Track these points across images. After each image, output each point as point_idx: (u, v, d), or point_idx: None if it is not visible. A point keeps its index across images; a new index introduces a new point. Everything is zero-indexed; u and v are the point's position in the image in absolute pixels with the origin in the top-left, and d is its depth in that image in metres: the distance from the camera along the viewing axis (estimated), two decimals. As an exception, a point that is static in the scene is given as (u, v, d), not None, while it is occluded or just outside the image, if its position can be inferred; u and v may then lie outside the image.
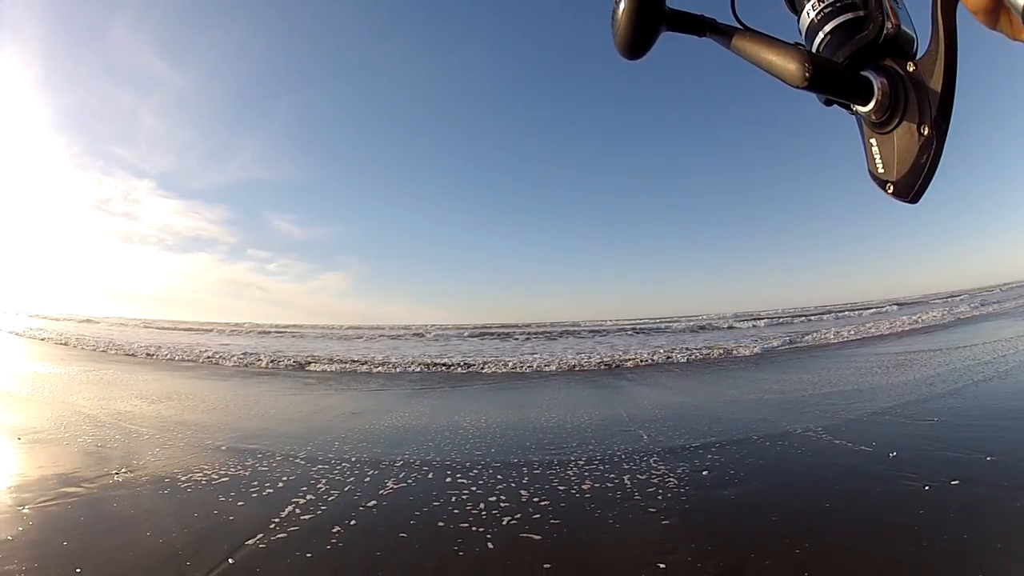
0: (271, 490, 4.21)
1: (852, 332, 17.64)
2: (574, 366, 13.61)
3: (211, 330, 35.50)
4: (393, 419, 7.39)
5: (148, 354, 16.62)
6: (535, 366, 13.79)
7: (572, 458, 5.07)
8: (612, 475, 4.53)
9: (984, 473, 3.97)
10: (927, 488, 3.80)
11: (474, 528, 3.53)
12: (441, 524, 3.62)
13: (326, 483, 4.40)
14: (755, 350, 15.51)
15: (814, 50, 0.72)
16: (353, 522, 3.62)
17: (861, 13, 0.68)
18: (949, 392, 6.87)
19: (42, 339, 20.85)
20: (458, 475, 4.67)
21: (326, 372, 13.44)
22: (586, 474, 4.60)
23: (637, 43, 0.67)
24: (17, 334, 23.15)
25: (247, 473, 4.66)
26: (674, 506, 3.82)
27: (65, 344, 19.11)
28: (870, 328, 18.43)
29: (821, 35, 0.71)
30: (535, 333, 30.41)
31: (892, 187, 0.64)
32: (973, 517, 3.28)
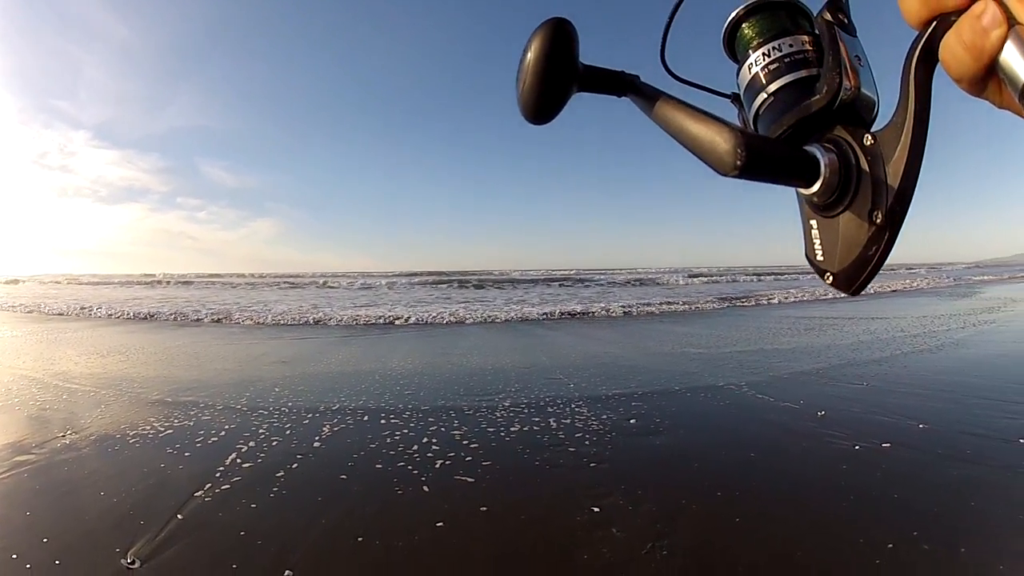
0: (214, 439, 4.37)
1: (789, 295, 18.43)
2: (490, 318, 13.93)
3: (138, 283, 34.44)
4: (323, 366, 7.58)
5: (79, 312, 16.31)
6: (460, 315, 14.12)
7: (498, 402, 5.35)
8: (538, 419, 4.80)
9: (916, 439, 4.09)
10: (857, 448, 3.95)
11: (410, 470, 3.75)
12: (379, 466, 3.83)
13: (265, 430, 4.58)
14: (684, 306, 16.15)
15: (753, 111, 0.62)
16: (294, 467, 3.81)
17: (815, 71, 0.58)
18: (877, 359, 7.13)
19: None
20: (392, 417, 4.91)
21: (252, 322, 13.43)
22: (513, 417, 4.87)
23: (543, 108, 0.55)
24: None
25: (190, 424, 4.78)
26: (603, 452, 4.03)
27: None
28: (806, 293, 19.16)
29: (764, 95, 0.60)
30: (465, 282, 30.42)
31: (831, 277, 0.56)
32: (904, 479, 3.40)
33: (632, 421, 4.72)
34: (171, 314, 14.63)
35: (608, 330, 11.49)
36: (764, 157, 0.50)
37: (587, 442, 4.23)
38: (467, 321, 13.67)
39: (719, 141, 0.49)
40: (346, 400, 5.57)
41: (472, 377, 6.68)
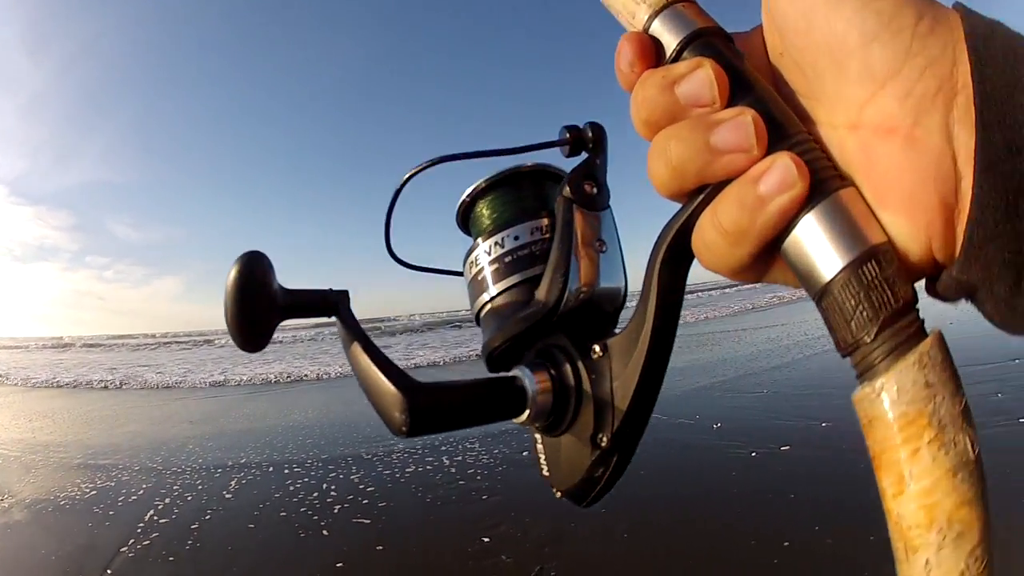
0: (133, 498, 4.76)
1: (689, 313, 17.76)
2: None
3: (50, 347, 32.93)
4: (229, 423, 7.98)
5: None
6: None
7: (393, 446, 5.78)
8: (432, 459, 5.24)
9: (818, 438, 4.24)
10: (754, 454, 4.11)
11: (311, 516, 4.23)
12: (283, 514, 4.31)
13: (179, 487, 5.00)
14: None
15: (475, 311, 0.54)
16: (207, 519, 4.27)
17: (539, 269, 0.49)
18: (777, 366, 7.19)
19: None
20: (295, 467, 5.40)
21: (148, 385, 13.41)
22: (408, 459, 5.33)
23: (249, 340, 0.47)
24: None
25: (111, 484, 5.13)
26: (495, 485, 4.33)
27: None
28: (707, 310, 18.94)
29: (486, 296, 0.52)
30: (375, 330, 29.92)
31: (561, 493, 0.50)
32: (804, 478, 3.59)
33: (524, 454, 5.02)
34: (82, 381, 14.25)
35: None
36: (439, 411, 0.43)
37: (479, 477, 4.57)
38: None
39: (387, 399, 0.43)
40: (252, 454, 6.01)
41: (370, 424, 6.92)
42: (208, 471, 5.52)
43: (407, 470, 5.10)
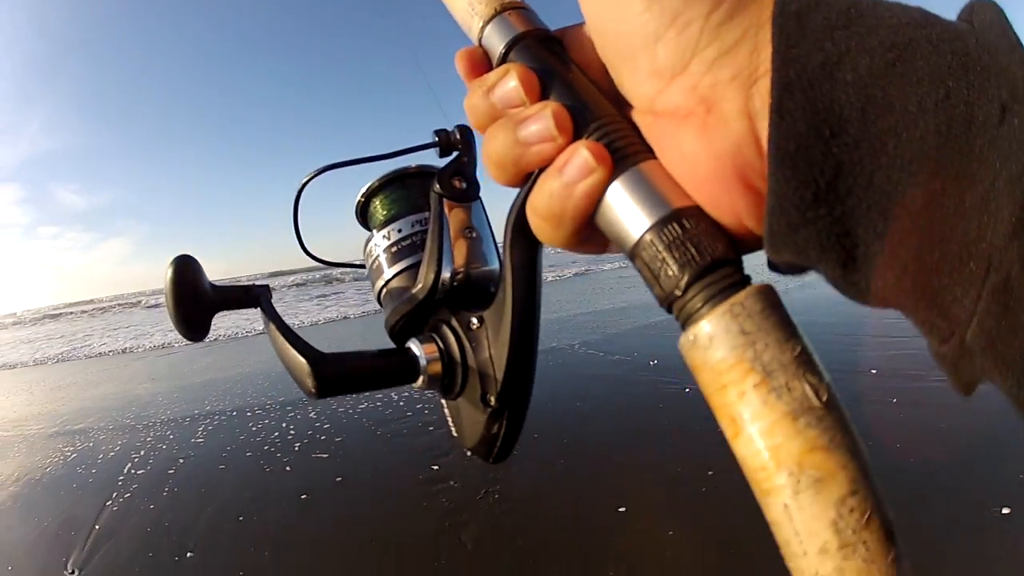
0: (112, 454, 5.12)
1: None
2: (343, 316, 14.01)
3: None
4: (190, 377, 8.32)
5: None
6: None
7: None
8: (382, 396, 5.56)
9: None
10: (687, 391, 4.24)
11: (275, 454, 4.62)
12: (248, 454, 4.71)
13: (151, 439, 5.40)
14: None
15: (376, 295, 0.61)
16: (180, 465, 4.68)
17: (420, 257, 0.55)
18: None
19: None
20: (257, 410, 5.85)
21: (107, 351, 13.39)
22: (360, 397, 5.61)
23: (190, 331, 0.56)
24: None
25: (89, 446, 5.47)
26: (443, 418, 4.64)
27: None
28: None
29: (381, 282, 0.59)
30: (329, 278, 28.75)
31: (470, 451, 0.55)
32: None
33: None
34: (41, 357, 13.73)
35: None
36: (342, 377, 0.50)
37: (427, 411, 4.86)
38: (320, 322, 13.70)
39: (298, 368, 0.50)
40: (215, 403, 6.39)
41: None
42: (176, 422, 5.90)
43: (359, 407, 5.42)
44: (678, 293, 0.30)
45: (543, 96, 0.36)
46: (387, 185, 0.61)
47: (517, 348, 0.47)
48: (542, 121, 0.34)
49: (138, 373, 9.56)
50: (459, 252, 0.55)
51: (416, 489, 3.52)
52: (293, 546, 3.19)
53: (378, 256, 0.60)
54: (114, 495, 4.31)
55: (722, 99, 0.29)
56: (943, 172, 0.25)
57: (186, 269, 0.56)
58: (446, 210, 0.54)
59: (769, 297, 0.28)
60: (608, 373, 5.12)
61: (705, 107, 0.30)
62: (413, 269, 0.57)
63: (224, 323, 12.42)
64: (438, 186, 0.53)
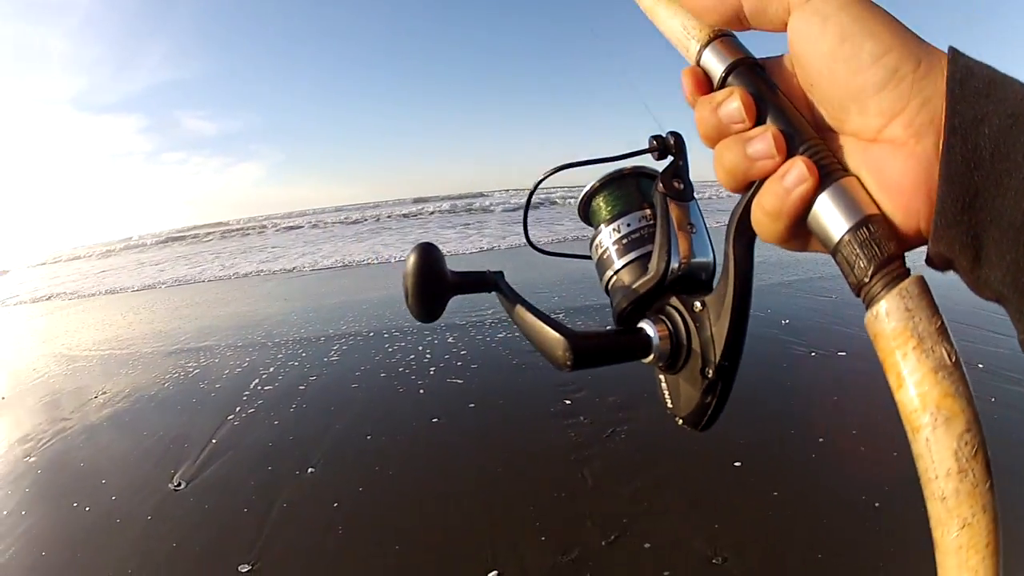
0: (238, 371, 4.95)
1: None
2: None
3: (127, 248, 32.97)
4: (324, 299, 8.21)
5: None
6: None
7: (488, 315, 5.80)
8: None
9: (872, 350, 4.39)
10: (813, 354, 4.20)
11: (410, 376, 4.35)
12: (383, 375, 4.45)
13: (282, 357, 5.17)
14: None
15: (604, 286, 0.67)
16: (312, 382, 4.46)
17: (649, 247, 0.62)
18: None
19: None
20: (394, 333, 5.53)
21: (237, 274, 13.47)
22: (499, 326, 5.40)
23: (426, 314, 0.63)
24: None
25: (215, 361, 5.36)
26: None
27: None
28: None
29: (611, 272, 0.65)
30: (460, 207, 29.07)
31: (681, 420, 0.61)
32: (849, 383, 3.64)
33: (610, 327, 5.01)
34: (166, 279, 13.84)
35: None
36: (591, 352, 0.58)
37: None
38: (469, 252, 13.34)
39: (553, 344, 0.57)
40: (351, 324, 6.13)
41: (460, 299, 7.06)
42: (309, 341, 5.67)
43: (498, 335, 5.19)
44: (865, 280, 0.39)
45: (759, 116, 0.45)
46: (608, 185, 0.66)
47: (736, 327, 0.53)
48: (765, 142, 0.43)
49: (270, 293, 9.62)
50: (682, 245, 0.60)
51: (546, 421, 3.50)
52: (419, 468, 3.17)
53: (607, 248, 0.65)
54: (237, 410, 4.09)
55: (925, 135, 0.38)
56: None
57: (429, 255, 0.62)
58: (670, 206, 0.60)
59: (923, 284, 0.38)
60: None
61: (916, 139, 0.39)
62: (640, 260, 0.62)
63: (357, 249, 12.68)
64: (661, 186, 0.61)
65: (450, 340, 5.13)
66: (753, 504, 2.66)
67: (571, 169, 0.68)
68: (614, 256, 0.64)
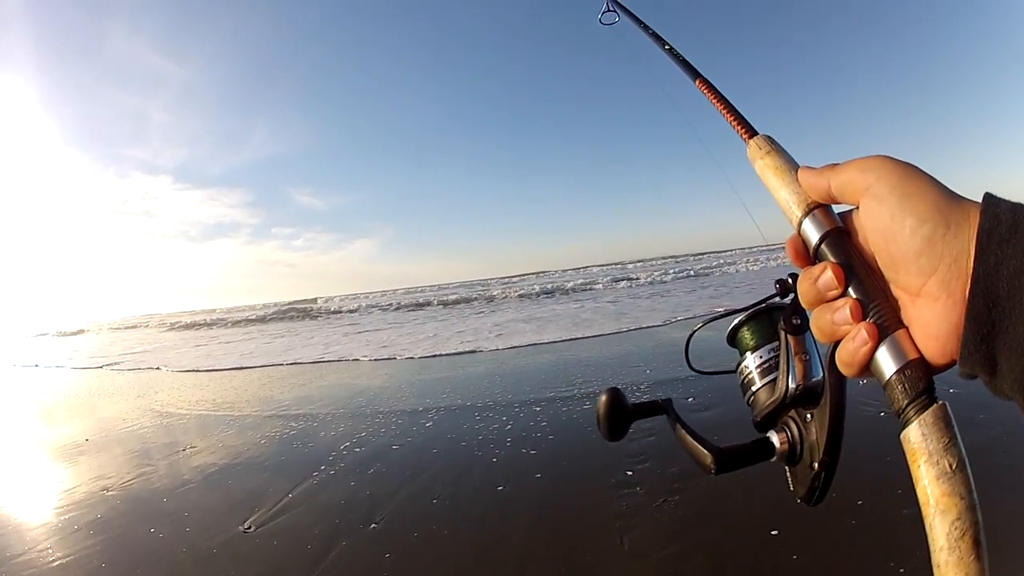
0: (331, 435, 5.23)
1: None
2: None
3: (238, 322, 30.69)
4: (421, 374, 8.56)
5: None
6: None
7: (575, 390, 5.91)
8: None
9: None
10: (882, 414, 4.03)
11: (489, 446, 4.46)
12: (463, 443, 4.59)
13: (375, 425, 5.42)
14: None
15: (745, 399, 0.82)
16: (396, 448, 4.66)
17: (776, 375, 0.77)
18: None
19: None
20: (487, 411, 5.59)
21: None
22: (586, 400, 5.52)
23: (614, 435, 0.82)
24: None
25: (312, 425, 5.69)
26: (656, 426, 4.41)
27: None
28: None
29: (750, 393, 0.81)
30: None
31: (799, 499, 0.74)
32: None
33: (690, 400, 5.18)
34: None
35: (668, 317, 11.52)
36: (731, 461, 0.75)
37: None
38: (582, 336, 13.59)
39: (702, 456, 0.75)
40: (439, 402, 6.28)
41: (554, 372, 7.24)
42: (400, 414, 5.86)
43: (580, 407, 5.30)
44: (902, 409, 0.53)
45: (847, 281, 0.59)
46: (750, 320, 0.83)
47: (834, 434, 0.69)
48: (846, 312, 0.57)
49: (372, 370, 9.80)
50: (799, 370, 0.74)
51: (604, 491, 3.59)
52: (471, 530, 3.27)
53: (750, 373, 0.81)
54: (322, 468, 4.33)
55: (955, 288, 0.50)
56: None
57: (616, 395, 0.83)
58: (789, 340, 0.75)
59: (939, 412, 0.50)
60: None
61: (947, 295, 0.50)
62: (770, 384, 0.78)
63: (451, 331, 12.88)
64: (783, 323, 0.75)
65: (536, 410, 5.26)
66: (784, 571, 2.70)
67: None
68: (755, 379, 0.80)
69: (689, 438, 0.78)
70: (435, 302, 28.80)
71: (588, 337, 10.73)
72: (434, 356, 10.43)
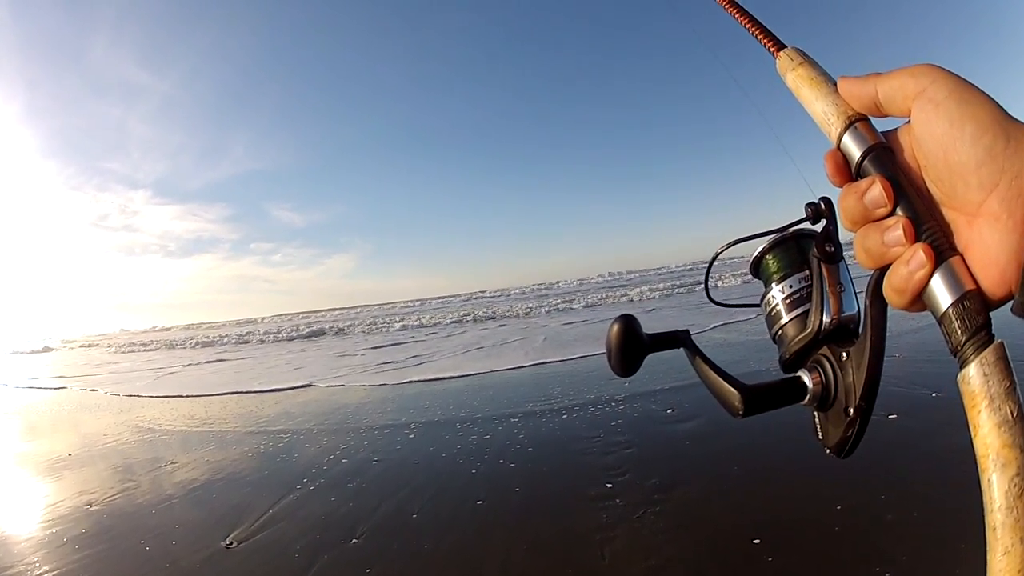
0: (314, 450, 5.28)
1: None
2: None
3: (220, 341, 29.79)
4: (402, 389, 8.57)
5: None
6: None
7: (556, 402, 5.98)
8: (582, 412, 5.46)
9: (924, 409, 4.31)
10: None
11: (470, 458, 4.54)
12: (444, 456, 4.67)
13: (351, 443, 5.43)
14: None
15: (772, 335, 0.78)
16: (376, 462, 4.71)
17: (807, 307, 0.72)
18: (915, 328, 6.99)
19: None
20: (467, 422, 5.68)
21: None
22: (572, 414, 5.52)
23: (628, 369, 0.74)
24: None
25: (294, 440, 5.73)
26: (634, 439, 4.61)
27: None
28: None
29: (778, 326, 0.75)
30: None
31: (828, 450, 0.70)
32: (899, 450, 3.61)
33: (668, 411, 5.20)
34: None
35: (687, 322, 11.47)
36: (759, 401, 0.69)
37: (619, 430, 4.86)
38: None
39: (729, 395, 0.69)
40: (425, 414, 6.34)
41: (528, 386, 7.36)
42: (379, 429, 5.90)
43: (559, 419, 5.38)
44: (959, 347, 0.49)
45: (896, 199, 0.55)
46: (775, 247, 0.76)
47: (872, 376, 0.64)
48: (898, 231, 0.53)
49: (350, 391, 9.60)
50: (833, 303, 0.70)
51: (582, 503, 3.60)
52: (450, 544, 3.29)
53: (776, 305, 0.75)
54: (304, 481, 4.40)
55: (1015, 211, 0.47)
56: None
57: (630, 323, 0.74)
58: (823, 269, 0.70)
59: (999, 351, 0.47)
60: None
61: (1008, 215, 0.47)
62: (800, 317, 0.72)
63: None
64: (816, 251, 0.70)
65: (515, 421, 5.37)
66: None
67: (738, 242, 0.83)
68: (783, 312, 0.75)
69: (713, 374, 0.72)
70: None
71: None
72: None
